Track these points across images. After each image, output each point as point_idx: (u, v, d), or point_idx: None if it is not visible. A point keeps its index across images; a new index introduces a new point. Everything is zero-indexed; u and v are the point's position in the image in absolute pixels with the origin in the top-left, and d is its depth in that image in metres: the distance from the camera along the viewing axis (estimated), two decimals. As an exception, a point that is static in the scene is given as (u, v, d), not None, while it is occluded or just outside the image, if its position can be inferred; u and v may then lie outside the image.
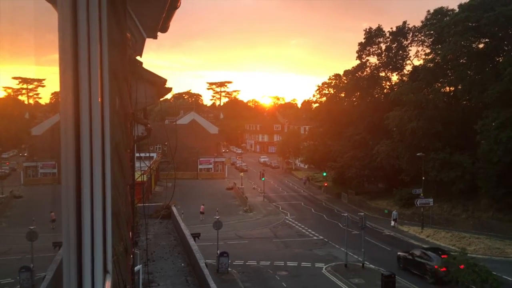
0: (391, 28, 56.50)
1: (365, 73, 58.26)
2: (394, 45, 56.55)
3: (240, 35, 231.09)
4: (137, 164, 8.80)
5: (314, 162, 69.85)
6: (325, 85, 68.37)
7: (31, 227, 25.86)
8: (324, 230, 41.97)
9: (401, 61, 57.77)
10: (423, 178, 42.52)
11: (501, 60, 43.86)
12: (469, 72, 46.54)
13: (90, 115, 1.66)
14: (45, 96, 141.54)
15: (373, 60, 58.31)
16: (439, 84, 49.11)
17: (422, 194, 41.93)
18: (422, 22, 53.78)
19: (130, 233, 6.01)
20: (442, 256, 27.08)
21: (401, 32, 55.75)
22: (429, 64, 49.72)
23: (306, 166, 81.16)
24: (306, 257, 33.30)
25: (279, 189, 68.61)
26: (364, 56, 57.88)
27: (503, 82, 38.70)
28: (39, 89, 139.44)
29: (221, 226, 30.66)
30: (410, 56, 57.24)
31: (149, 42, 6.42)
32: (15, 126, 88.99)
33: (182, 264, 20.67)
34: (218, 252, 28.74)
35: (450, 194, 43.47)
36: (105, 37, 1.83)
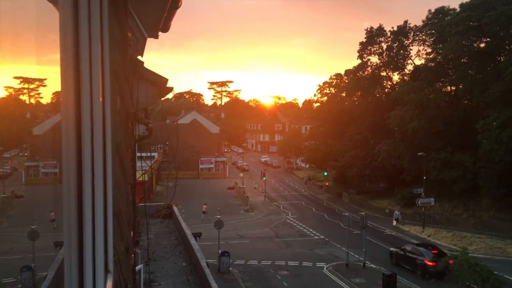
0: (392, 27, 56.58)
1: (366, 73, 58.25)
2: (395, 44, 56.53)
3: (241, 34, 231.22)
4: (138, 163, 8.80)
5: (315, 162, 69.83)
6: (326, 85, 68.37)
7: (33, 227, 25.88)
8: (325, 230, 41.97)
9: (402, 61, 57.76)
10: (424, 177, 42.49)
11: (502, 60, 43.80)
12: (470, 71, 46.51)
13: (91, 115, 1.67)
14: (46, 95, 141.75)
15: (374, 59, 58.41)
16: (440, 84, 49.06)
17: (423, 194, 41.90)
18: (423, 21, 53.83)
19: (132, 232, 6.01)
20: (433, 252, 28.54)
21: (402, 31, 55.71)
22: (430, 64, 49.70)
23: (307, 166, 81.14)
24: (307, 256, 33.31)
25: (280, 189, 68.62)
26: (365, 55, 57.87)
27: (504, 81, 38.64)
28: (41, 89, 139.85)
29: (222, 225, 30.67)
30: (411, 56, 57.31)
31: (150, 41, 6.42)
32: (17, 125, 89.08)
33: (183, 264, 20.70)
34: (219, 251, 28.76)
35: (452, 193, 43.42)
36: (107, 37, 1.83)
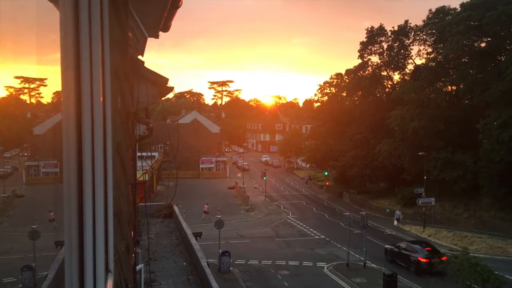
0: (393, 27, 56.57)
1: (367, 72, 58.23)
2: (396, 44, 56.51)
3: (242, 34, 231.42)
4: (138, 163, 8.81)
5: (316, 161, 69.82)
6: (327, 84, 68.35)
7: (33, 226, 25.89)
8: (326, 230, 41.96)
9: (403, 60, 57.73)
10: (425, 177, 42.45)
11: (503, 59, 43.78)
12: (471, 71, 46.48)
13: (92, 115, 1.67)
14: (47, 95, 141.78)
15: (375, 59, 58.36)
16: (441, 83, 49.03)
17: (424, 194, 41.88)
18: (424, 21, 53.84)
19: (132, 232, 6.01)
20: (426, 249, 29.20)
21: (403, 31, 55.68)
22: (431, 63, 49.69)
23: (307, 165, 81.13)
24: (307, 256, 33.30)
25: (281, 188, 68.63)
26: (366, 55, 57.85)
27: (505, 81, 38.62)
28: (41, 89, 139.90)
29: (223, 225, 30.67)
30: (412, 55, 57.27)
31: (150, 41, 6.42)
32: (17, 125, 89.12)
33: (184, 263, 20.69)
34: (220, 251, 28.76)
35: (452, 193, 43.41)
36: (107, 37, 1.83)
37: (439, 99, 46.20)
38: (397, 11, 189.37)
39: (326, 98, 67.76)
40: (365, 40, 57.29)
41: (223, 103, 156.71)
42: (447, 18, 49.06)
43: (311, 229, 42.73)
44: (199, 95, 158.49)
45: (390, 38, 56.51)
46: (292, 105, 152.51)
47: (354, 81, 58.86)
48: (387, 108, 50.03)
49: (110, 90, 1.94)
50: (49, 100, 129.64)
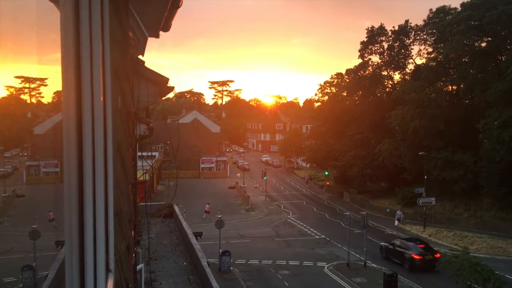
0: (394, 27, 56.53)
1: (367, 72, 58.21)
2: (397, 44, 56.49)
3: (242, 34, 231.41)
4: (139, 163, 8.81)
5: (316, 161, 69.82)
6: (327, 84, 68.36)
7: (34, 226, 25.91)
8: (326, 229, 41.96)
9: (403, 60, 57.71)
10: (426, 177, 42.45)
11: (503, 59, 43.76)
12: (471, 71, 46.46)
13: (92, 114, 1.67)
14: (47, 95, 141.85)
15: (375, 59, 58.34)
16: (441, 83, 49.02)
17: (424, 193, 41.90)
18: (424, 21, 53.84)
19: (132, 232, 6.02)
20: (420, 246, 30.02)
21: (404, 31, 55.65)
22: (431, 63, 49.66)
23: (308, 165, 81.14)
24: (308, 256, 33.30)
25: (281, 188, 68.63)
26: (366, 55, 57.82)
27: (505, 81, 38.61)
28: (41, 88, 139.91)
29: (223, 225, 30.68)
30: (413, 55, 57.28)
31: (151, 41, 6.42)
32: (17, 125, 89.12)
33: (184, 263, 20.69)
34: (220, 251, 28.77)
35: (453, 193, 43.40)
36: (107, 36, 1.83)
37: (440, 99, 46.20)
38: (397, 10, 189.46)
39: (326, 97, 67.76)
40: (365, 39, 57.28)
41: (224, 103, 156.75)
42: (447, 17, 49.06)
43: (311, 229, 42.73)
44: (200, 95, 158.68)
45: (391, 38, 56.50)
46: (292, 105, 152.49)
47: (354, 81, 58.84)
48: (388, 108, 50.02)
49: (111, 90, 1.94)
50: (50, 100, 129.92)
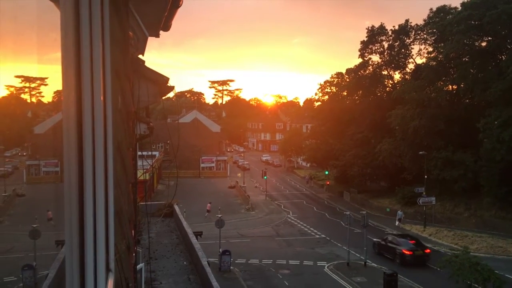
0: (394, 26, 56.47)
1: (367, 72, 58.16)
2: (397, 43, 56.46)
3: (242, 34, 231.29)
4: (139, 162, 8.81)
5: (316, 161, 69.80)
6: (327, 84, 68.37)
7: (34, 225, 25.91)
8: (326, 229, 41.96)
9: (403, 60, 57.68)
10: (426, 176, 42.45)
11: (503, 58, 43.76)
12: (471, 70, 46.44)
13: (92, 114, 1.67)
14: (47, 94, 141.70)
15: (375, 58, 58.30)
16: (441, 83, 49.00)
17: (424, 193, 41.89)
18: (424, 20, 53.80)
19: (133, 231, 6.02)
20: (410, 242, 31.06)
21: (404, 30, 55.63)
22: (431, 63, 49.63)
23: (308, 165, 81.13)
24: (308, 255, 33.31)
25: (281, 188, 68.62)
26: (366, 54, 57.79)
27: (505, 80, 38.60)
28: (42, 88, 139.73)
29: (223, 224, 30.69)
30: (413, 55, 57.25)
31: (151, 40, 6.42)
32: (18, 124, 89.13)
33: (184, 263, 20.70)
34: (220, 250, 28.76)
35: (453, 192, 43.38)
36: (107, 36, 1.83)
37: (440, 98, 46.19)
38: (397, 10, 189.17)
39: (326, 97, 67.76)
40: (365, 39, 57.25)
41: (224, 102, 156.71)
42: (447, 17, 49.02)
43: (311, 228, 42.73)
44: (200, 94, 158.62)
45: (391, 37, 56.47)
46: (292, 104, 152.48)
47: (354, 80, 58.80)
48: (388, 107, 50.00)
49: (111, 89, 1.94)
50: (50, 99, 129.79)
